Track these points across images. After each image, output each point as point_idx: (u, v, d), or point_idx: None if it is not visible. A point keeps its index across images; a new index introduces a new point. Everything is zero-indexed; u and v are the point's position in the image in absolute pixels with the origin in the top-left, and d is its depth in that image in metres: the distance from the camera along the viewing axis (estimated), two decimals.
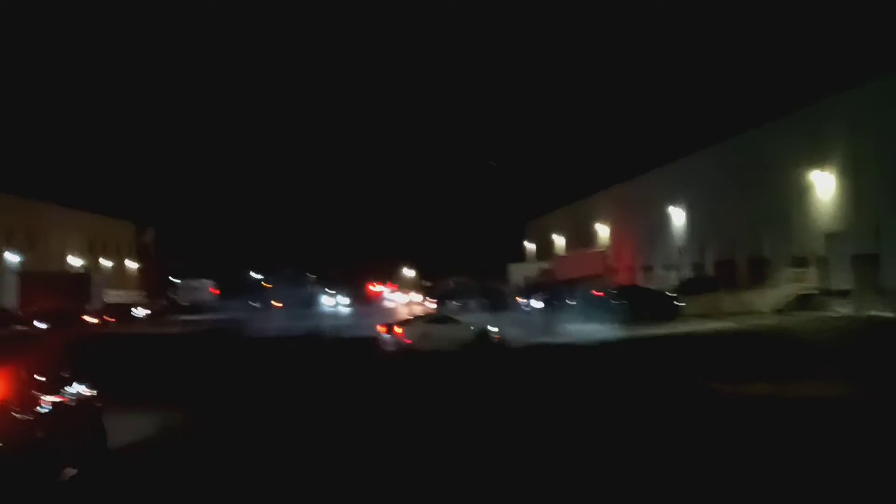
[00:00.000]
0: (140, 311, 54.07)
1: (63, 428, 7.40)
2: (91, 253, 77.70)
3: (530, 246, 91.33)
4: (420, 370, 19.36)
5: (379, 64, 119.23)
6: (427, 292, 68.81)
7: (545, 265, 70.21)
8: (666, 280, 51.92)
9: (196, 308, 60.33)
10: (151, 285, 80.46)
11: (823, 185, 36.82)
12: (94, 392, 8.60)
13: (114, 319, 46.36)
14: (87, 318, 45.22)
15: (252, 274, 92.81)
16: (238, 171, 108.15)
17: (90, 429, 8.18)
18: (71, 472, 7.48)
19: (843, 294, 33.90)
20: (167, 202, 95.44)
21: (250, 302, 61.89)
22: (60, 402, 7.63)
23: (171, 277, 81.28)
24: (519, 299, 48.83)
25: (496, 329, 28.07)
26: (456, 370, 18.86)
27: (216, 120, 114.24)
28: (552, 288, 50.48)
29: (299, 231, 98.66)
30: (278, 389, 15.56)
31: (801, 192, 38.44)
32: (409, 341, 26.95)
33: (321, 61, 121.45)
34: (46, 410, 7.27)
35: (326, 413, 12.92)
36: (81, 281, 53.22)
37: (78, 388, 8.17)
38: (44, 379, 7.53)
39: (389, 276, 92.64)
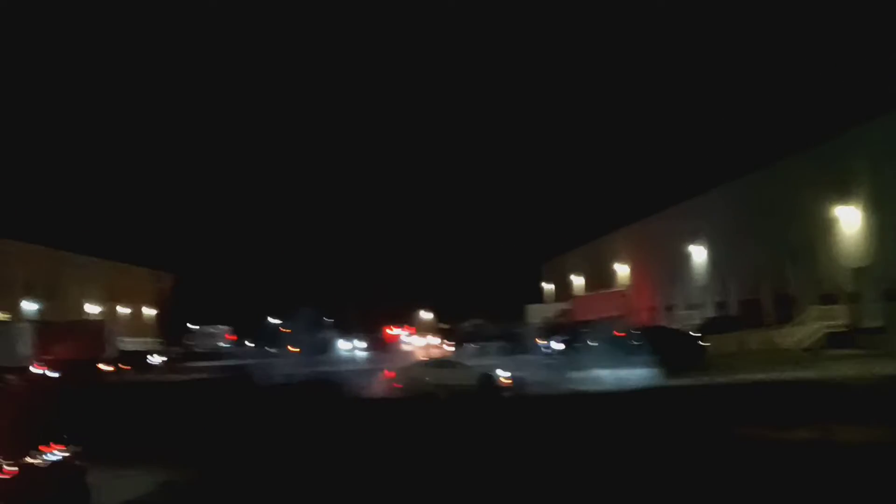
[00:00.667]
0: (156, 359, 53.53)
1: (33, 493, 6.71)
2: (109, 300, 77.54)
3: (548, 287, 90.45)
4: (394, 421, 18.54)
5: (396, 103, 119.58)
6: (444, 335, 67.98)
7: (564, 306, 69.27)
8: (689, 319, 50.90)
9: (212, 355, 59.76)
10: (168, 332, 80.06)
11: (848, 219, 35.97)
12: (76, 450, 7.88)
13: (129, 367, 45.78)
14: (102, 366, 44.69)
15: (270, 319, 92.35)
16: (256, 216, 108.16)
17: (69, 492, 7.48)
18: None
19: (875, 331, 32.85)
20: (185, 248, 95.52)
21: (266, 347, 61.38)
22: (29, 464, 6.96)
23: (188, 324, 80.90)
24: (538, 341, 47.85)
25: (507, 374, 26.97)
26: (435, 422, 17.77)
27: (233, 164, 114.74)
28: (572, 329, 49.58)
29: (316, 276, 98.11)
30: (263, 442, 14.80)
31: (825, 227, 37.59)
32: (399, 385, 25.95)
33: (341, 101, 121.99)
34: (9, 476, 6.55)
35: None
36: (97, 329, 52.71)
37: (55, 448, 7.48)
38: (9, 439, 6.85)
39: (407, 319, 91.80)
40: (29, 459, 7.04)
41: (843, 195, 36.14)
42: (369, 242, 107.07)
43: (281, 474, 11.59)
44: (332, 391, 24.94)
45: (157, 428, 16.82)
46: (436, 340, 68.56)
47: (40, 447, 7.22)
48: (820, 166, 38.18)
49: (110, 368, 43.95)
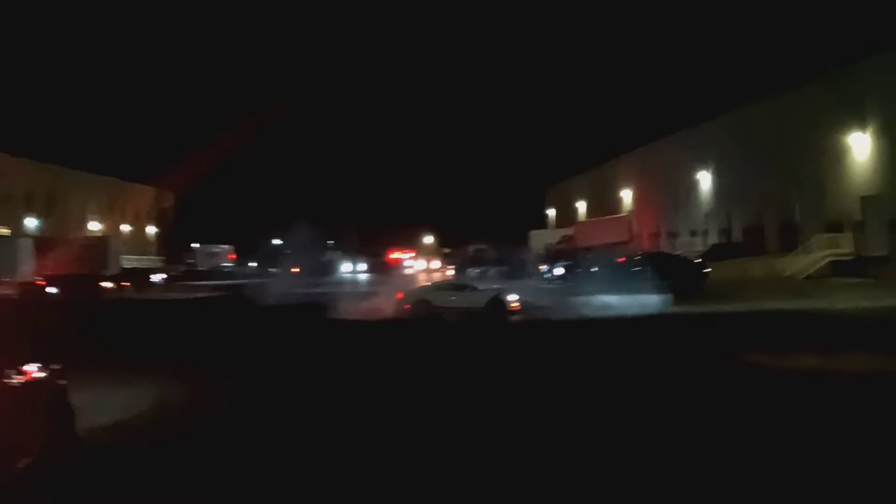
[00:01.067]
0: (158, 277, 53.51)
1: (7, 413, 6.48)
2: (111, 218, 77.36)
3: (551, 212, 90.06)
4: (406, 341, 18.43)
5: (401, 27, 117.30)
6: (446, 259, 67.93)
7: (566, 232, 68.90)
8: (691, 246, 50.71)
9: (213, 274, 59.83)
10: (171, 251, 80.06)
11: (860, 148, 35.35)
12: (57, 368, 7.58)
13: (129, 285, 45.72)
14: (103, 283, 44.65)
15: (273, 240, 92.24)
16: (260, 135, 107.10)
17: (49, 412, 7.23)
18: (25, 461, 6.61)
19: (880, 261, 32.58)
20: (188, 167, 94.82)
21: (269, 268, 61.39)
22: (3, 384, 6.69)
23: (191, 243, 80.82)
24: (540, 267, 47.66)
25: (516, 297, 26.81)
26: (443, 344, 17.69)
27: (237, 82, 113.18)
28: (574, 255, 49.38)
29: (320, 197, 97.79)
30: (258, 363, 14.67)
31: (835, 156, 36.96)
32: (409, 307, 25.68)
33: (343, 22, 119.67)
34: None
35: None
36: (99, 246, 52.64)
37: (33, 366, 7.18)
38: None
39: (410, 243, 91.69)
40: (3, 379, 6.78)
41: (855, 123, 35.43)
42: (374, 165, 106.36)
43: (275, 395, 11.44)
44: (328, 312, 24.71)
45: (152, 346, 16.71)
46: (437, 264, 68.53)
47: (17, 366, 6.95)
48: (832, 93, 37.37)
49: (111, 285, 43.87)
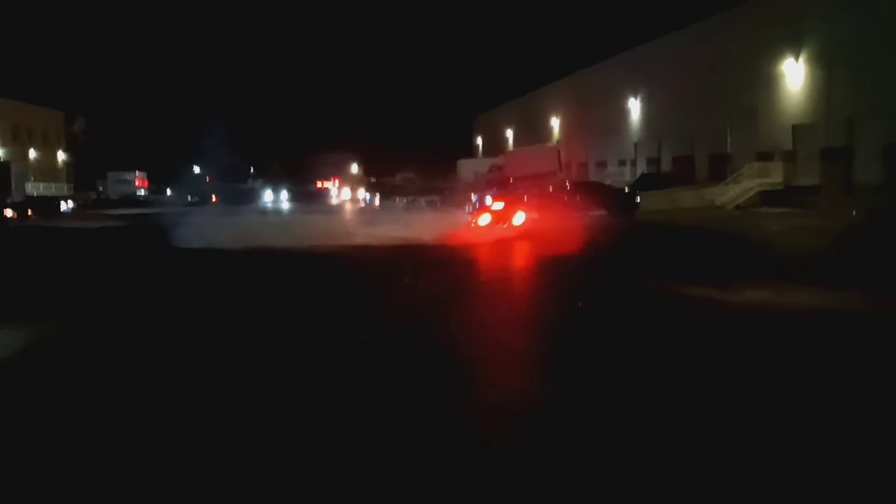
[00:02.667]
0: (66, 205, 50.71)
1: None
2: (16, 143, 73.08)
3: (479, 141, 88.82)
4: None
5: None
6: (372, 188, 66.36)
7: (495, 161, 67.88)
8: (620, 176, 50.25)
9: (126, 202, 57.13)
10: (82, 178, 76.35)
11: (794, 76, 34.75)
12: None
13: (33, 213, 43.06)
14: (5, 211, 41.96)
15: (194, 168, 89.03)
16: (181, 54, 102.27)
17: None
18: None
19: (809, 190, 32.32)
20: (99, 88, 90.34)
21: (188, 196, 59.04)
22: None
23: (106, 171, 77.15)
24: (470, 196, 46.51)
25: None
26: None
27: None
28: (503, 185, 48.42)
29: (245, 124, 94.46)
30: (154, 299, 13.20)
31: (768, 84, 36.38)
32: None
33: None
34: None
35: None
36: (1, 172, 49.45)
37: None
38: None
39: (336, 171, 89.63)
40: None
41: (789, 50, 34.78)
42: (301, 92, 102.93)
43: (167, 336, 10.00)
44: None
45: (42, 281, 15.06)
46: (363, 193, 66.98)
47: None
48: (767, 18, 36.56)
49: (12, 213, 41.20)
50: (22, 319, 11.02)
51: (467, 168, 68.93)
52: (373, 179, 78.63)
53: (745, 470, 5.29)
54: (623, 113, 52.94)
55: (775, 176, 35.06)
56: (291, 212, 46.94)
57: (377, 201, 53.60)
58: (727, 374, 7.73)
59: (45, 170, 76.94)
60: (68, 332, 10.21)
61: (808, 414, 6.43)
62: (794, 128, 34.62)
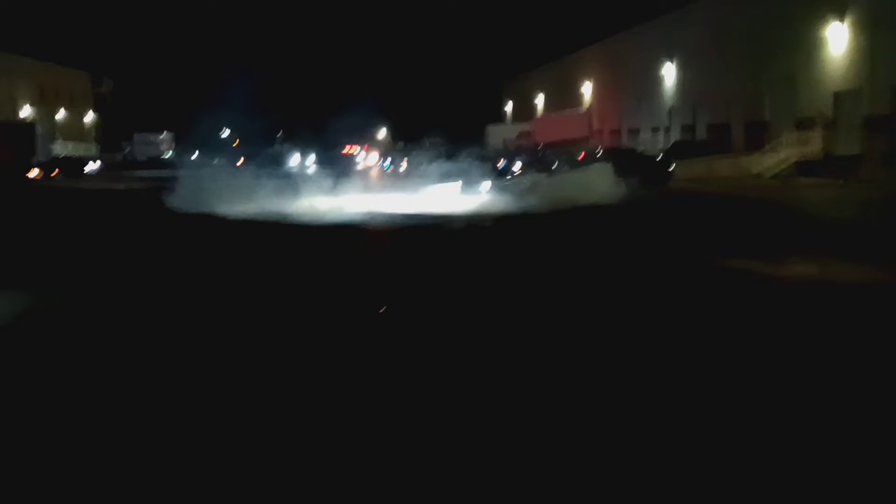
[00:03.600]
0: (91, 167, 50.50)
1: None
2: (43, 104, 72.95)
3: (509, 107, 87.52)
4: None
5: None
6: (400, 154, 65.60)
7: (524, 127, 66.80)
8: (653, 144, 49.05)
9: (152, 164, 56.76)
10: (109, 139, 76.20)
11: (836, 41, 33.29)
12: None
13: (58, 173, 42.88)
14: (30, 171, 41.82)
15: (223, 130, 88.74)
16: (211, 16, 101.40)
17: None
18: None
19: (851, 160, 31.06)
20: (128, 49, 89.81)
21: (213, 159, 58.56)
22: None
23: (133, 132, 76.88)
24: (497, 163, 45.73)
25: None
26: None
27: None
28: (532, 151, 47.58)
29: (274, 87, 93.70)
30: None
31: (810, 49, 34.90)
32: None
33: None
34: None
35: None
36: (24, 132, 49.17)
37: None
38: None
39: (364, 136, 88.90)
40: None
41: (833, 14, 33.27)
42: (329, 55, 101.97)
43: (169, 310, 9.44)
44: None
45: (43, 245, 14.63)
46: (386, 159, 66.42)
47: None
48: None
49: (37, 173, 41.00)
50: (16, 285, 10.51)
51: (496, 133, 68.03)
52: (401, 144, 77.92)
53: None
54: (657, 79, 51.55)
55: (815, 145, 33.78)
56: (314, 176, 46.27)
57: (404, 166, 52.82)
58: (785, 352, 7.01)
59: (73, 131, 76.91)
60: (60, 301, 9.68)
61: (867, 398, 5.71)
62: (836, 95, 33.25)
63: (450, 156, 52.27)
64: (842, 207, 21.89)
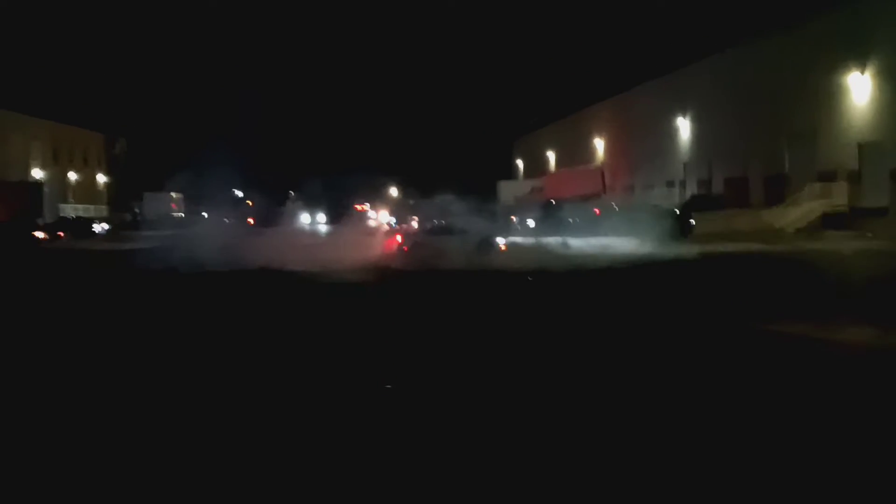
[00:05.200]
0: (99, 227, 49.97)
1: None
2: (56, 164, 72.89)
3: (520, 163, 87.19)
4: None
5: None
6: (410, 211, 65.03)
7: (536, 183, 66.21)
8: (668, 199, 48.17)
9: (161, 223, 56.24)
10: (122, 200, 75.99)
11: (859, 91, 32.53)
12: None
13: (63, 235, 42.21)
14: (36, 232, 41.17)
15: (235, 191, 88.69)
16: (221, 79, 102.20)
17: None
18: None
19: (877, 212, 30.02)
20: (141, 111, 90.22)
21: (224, 218, 58.07)
22: None
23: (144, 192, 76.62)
24: (513, 218, 44.96)
25: (503, 240, 25.56)
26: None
27: (191, 21, 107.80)
28: (546, 207, 46.80)
29: (284, 148, 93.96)
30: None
31: (830, 100, 34.18)
32: (406, 250, 25.44)
33: None
34: None
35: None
36: (31, 191, 48.80)
37: None
38: None
39: (375, 194, 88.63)
40: None
41: (854, 63, 32.59)
42: (337, 115, 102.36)
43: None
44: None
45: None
46: (399, 216, 65.90)
47: None
48: (829, 31, 34.45)
49: (43, 235, 40.36)
50: None
51: (508, 190, 67.42)
52: (411, 202, 77.40)
53: None
54: (670, 134, 50.90)
55: (839, 197, 32.80)
56: (329, 234, 45.71)
57: (414, 224, 52.11)
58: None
59: (86, 191, 76.74)
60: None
61: None
62: (860, 146, 32.36)
63: (462, 212, 51.56)
64: (880, 262, 20.76)
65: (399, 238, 28.57)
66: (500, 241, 25.95)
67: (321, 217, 66.10)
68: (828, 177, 33.85)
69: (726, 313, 12.43)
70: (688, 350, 9.69)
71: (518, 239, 29.98)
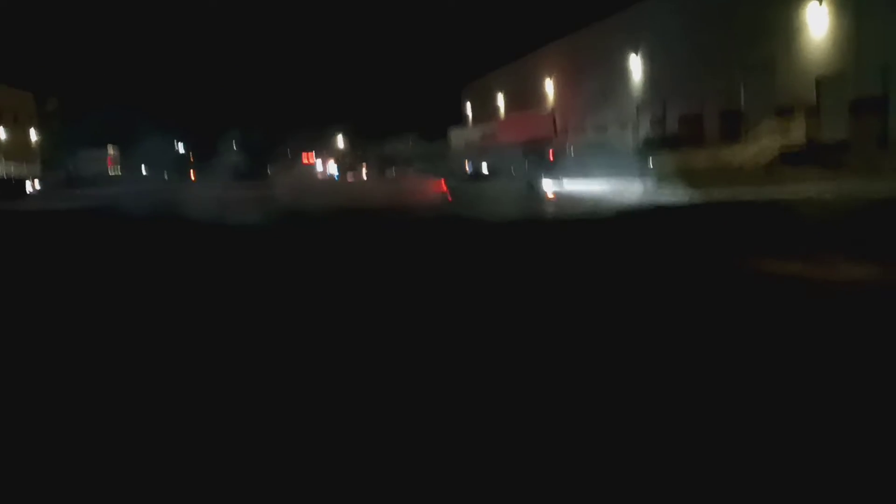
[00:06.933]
0: (32, 186, 47.64)
1: None
2: None
3: (470, 111, 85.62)
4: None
5: None
6: (358, 160, 63.85)
7: (488, 129, 65.01)
8: (622, 140, 47.31)
9: (97, 180, 54.02)
10: (55, 158, 72.96)
11: (816, 23, 31.67)
12: None
13: None
14: None
15: (177, 145, 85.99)
16: (160, 27, 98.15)
17: None
18: None
19: (837, 147, 29.38)
20: (75, 67, 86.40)
21: (164, 173, 56.08)
22: None
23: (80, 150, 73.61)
24: (466, 166, 43.96)
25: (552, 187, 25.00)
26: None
27: None
28: (499, 152, 45.81)
29: (228, 98, 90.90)
30: None
31: (787, 34, 33.27)
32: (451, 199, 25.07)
33: None
34: None
35: None
36: None
37: None
38: None
39: (322, 144, 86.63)
40: None
41: None
42: (283, 64, 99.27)
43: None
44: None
45: None
46: (333, 167, 64.64)
47: None
48: None
49: None
50: None
51: (459, 137, 66.19)
52: (360, 152, 75.76)
53: None
54: (623, 73, 49.86)
55: (797, 132, 32.11)
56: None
57: (363, 174, 50.83)
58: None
59: (17, 150, 73.47)
60: None
61: None
62: (818, 79, 31.62)
63: (413, 159, 50.38)
64: (847, 199, 20.12)
65: (443, 184, 27.98)
66: (547, 188, 25.11)
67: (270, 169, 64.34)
68: (786, 112, 33.11)
69: (707, 252, 11.51)
70: (685, 290, 8.71)
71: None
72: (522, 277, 10.27)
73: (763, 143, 32.78)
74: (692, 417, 4.78)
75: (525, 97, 66.97)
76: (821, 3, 31.16)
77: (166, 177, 53.55)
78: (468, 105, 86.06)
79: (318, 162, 78.15)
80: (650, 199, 22.77)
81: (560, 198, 24.93)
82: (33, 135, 79.88)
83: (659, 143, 39.55)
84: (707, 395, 5.17)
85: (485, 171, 38.53)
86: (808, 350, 6.11)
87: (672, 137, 41.48)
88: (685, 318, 7.43)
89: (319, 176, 62.44)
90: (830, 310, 7.56)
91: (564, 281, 9.92)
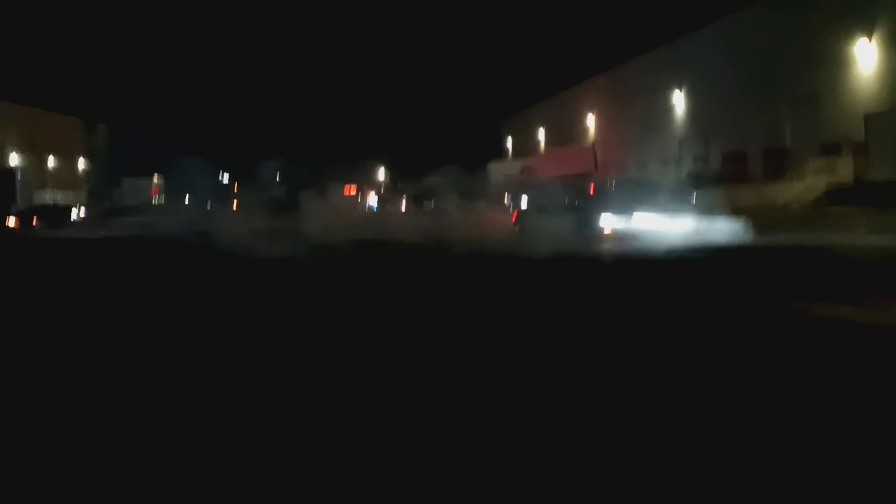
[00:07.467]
0: (77, 214, 48.45)
1: None
2: (33, 151, 70.95)
3: (510, 144, 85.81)
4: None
5: None
6: (398, 193, 64.14)
7: (527, 163, 64.93)
8: (664, 176, 46.84)
9: (140, 209, 54.75)
10: (100, 186, 74.27)
11: (864, 59, 31.13)
12: None
13: (36, 222, 40.66)
14: (8, 220, 39.65)
15: (222, 175, 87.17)
16: (207, 63, 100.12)
17: None
18: None
19: (886, 186, 28.67)
20: (123, 96, 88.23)
21: (206, 202, 56.77)
22: None
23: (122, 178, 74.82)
24: (505, 199, 43.81)
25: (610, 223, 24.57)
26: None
27: (173, 3, 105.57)
28: (538, 187, 45.54)
29: (272, 130, 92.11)
30: None
31: (834, 70, 32.79)
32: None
33: None
34: None
35: None
36: (3, 179, 47.01)
37: None
38: None
39: (362, 176, 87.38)
40: None
41: (859, 30, 31.16)
42: (327, 99, 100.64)
43: None
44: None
45: None
46: (374, 199, 64.94)
47: None
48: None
49: (16, 223, 38.83)
50: None
51: (498, 170, 66.06)
52: (399, 185, 76.10)
53: None
54: (665, 108, 49.53)
55: (844, 170, 31.47)
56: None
57: (402, 206, 50.86)
58: None
59: (65, 178, 74.88)
60: None
61: None
62: (867, 116, 31.02)
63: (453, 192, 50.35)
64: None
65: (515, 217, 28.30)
66: (605, 224, 24.52)
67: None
68: (832, 150, 32.51)
69: (756, 293, 11.11)
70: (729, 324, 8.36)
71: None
72: (588, 313, 10.05)
73: (809, 182, 32.17)
74: (741, 463, 4.48)
75: (565, 131, 66.86)
76: (871, 40, 30.65)
77: (209, 206, 54.16)
78: (508, 139, 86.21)
79: (360, 194, 78.86)
80: (700, 238, 22.34)
81: (616, 234, 24.41)
82: (81, 163, 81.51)
83: (704, 180, 39.00)
84: (754, 436, 4.88)
85: (523, 205, 38.19)
86: (858, 396, 5.80)
87: (716, 174, 40.97)
88: (732, 361, 7.10)
89: (358, 208, 62.70)
90: (887, 355, 7.19)
91: (621, 319, 9.65)
